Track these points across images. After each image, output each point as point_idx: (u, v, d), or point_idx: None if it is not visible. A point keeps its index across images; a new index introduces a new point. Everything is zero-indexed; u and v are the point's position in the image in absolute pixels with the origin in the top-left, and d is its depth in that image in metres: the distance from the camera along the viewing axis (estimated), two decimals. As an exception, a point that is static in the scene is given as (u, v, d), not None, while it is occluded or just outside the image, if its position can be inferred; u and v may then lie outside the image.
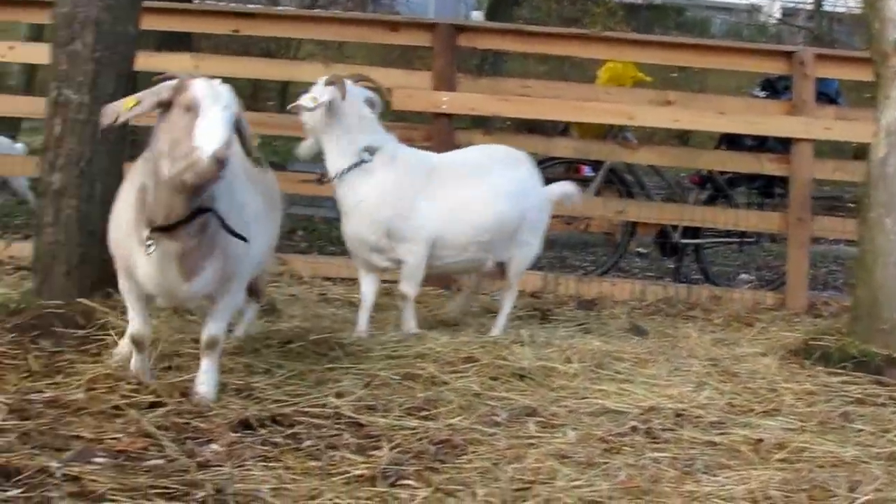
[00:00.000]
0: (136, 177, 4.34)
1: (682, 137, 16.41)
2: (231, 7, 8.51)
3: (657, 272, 10.41)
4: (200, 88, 4.01)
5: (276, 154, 19.87)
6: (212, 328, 4.47)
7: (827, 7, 31.69)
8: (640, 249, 11.73)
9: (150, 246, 4.12)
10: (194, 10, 8.77)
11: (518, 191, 6.20)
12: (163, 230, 4.09)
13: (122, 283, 4.52)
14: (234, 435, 3.98)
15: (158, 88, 4.16)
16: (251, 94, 25.11)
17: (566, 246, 11.01)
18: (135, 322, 4.50)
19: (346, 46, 23.44)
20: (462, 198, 6.05)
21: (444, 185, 6.05)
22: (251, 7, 9.23)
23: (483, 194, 6.09)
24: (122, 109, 4.16)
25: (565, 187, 6.56)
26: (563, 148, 8.62)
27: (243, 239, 4.23)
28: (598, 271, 9.09)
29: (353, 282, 7.53)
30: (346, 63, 10.32)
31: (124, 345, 4.77)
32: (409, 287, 6.01)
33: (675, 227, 9.23)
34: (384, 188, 5.90)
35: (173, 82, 4.13)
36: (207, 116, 3.91)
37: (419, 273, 6.03)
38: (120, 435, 3.88)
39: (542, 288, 7.72)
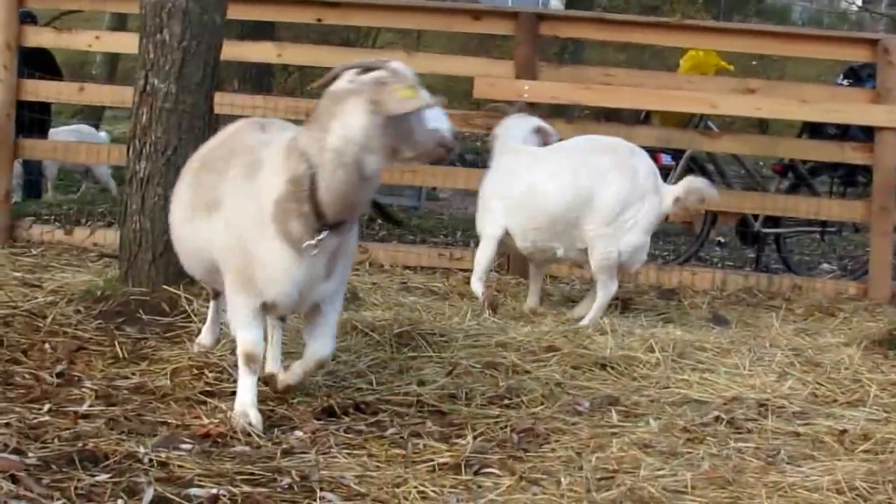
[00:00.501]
0: (269, 173, 3.95)
1: (762, 126, 16.22)
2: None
3: (737, 261, 10.34)
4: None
5: (357, 143, 20.07)
6: (329, 345, 4.16)
7: (909, -6, 31.24)
8: (720, 238, 11.64)
9: (316, 245, 3.87)
10: (278, 0, 8.81)
11: (583, 181, 6.16)
12: (332, 226, 3.90)
13: (236, 297, 4.06)
14: (317, 422, 3.99)
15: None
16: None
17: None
18: (250, 336, 4.04)
19: (425, 35, 23.57)
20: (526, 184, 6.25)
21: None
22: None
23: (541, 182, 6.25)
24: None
25: (691, 183, 6.39)
26: (644, 136, 8.53)
27: (399, 223, 4.17)
28: (679, 260, 9.04)
29: (432, 270, 7.57)
30: (426, 52, 10.34)
31: (207, 337, 4.80)
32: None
33: (755, 217, 9.16)
34: None
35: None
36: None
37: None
38: (206, 421, 3.91)
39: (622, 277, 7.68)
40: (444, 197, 14.58)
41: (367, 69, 3.87)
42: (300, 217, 3.84)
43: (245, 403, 3.94)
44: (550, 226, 6.25)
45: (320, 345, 4.12)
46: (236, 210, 4.00)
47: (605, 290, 6.21)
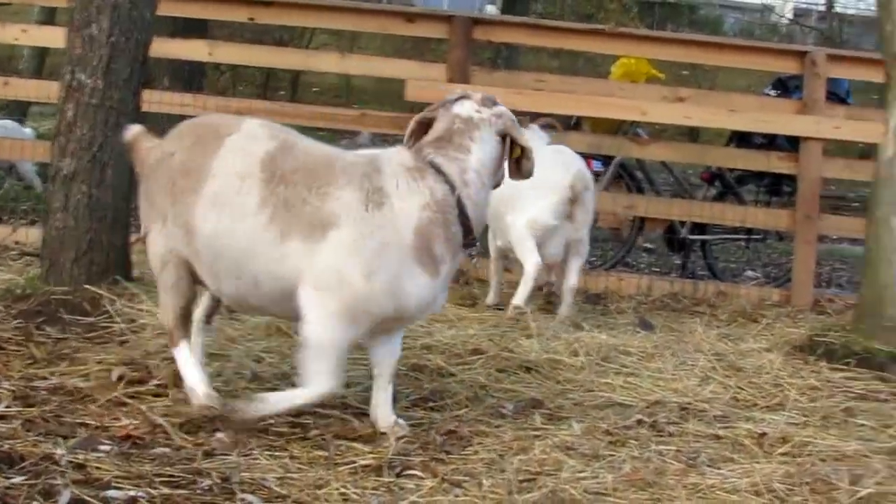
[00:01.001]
0: (400, 201, 3.88)
1: (692, 134, 16.37)
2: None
3: (664, 267, 10.40)
4: None
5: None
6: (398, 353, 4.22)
7: (838, 8, 31.69)
8: (647, 245, 11.71)
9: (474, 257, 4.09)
10: (209, -2, 8.75)
11: None
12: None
13: (334, 331, 3.85)
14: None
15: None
16: (263, 83, 25.22)
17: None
18: (332, 378, 3.88)
19: (361, 37, 23.53)
20: None
21: None
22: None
23: None
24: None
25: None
26: (574, 142, 8.56)
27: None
28: (606, 266, 9.08)
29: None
30: (361, 54, 10.33)
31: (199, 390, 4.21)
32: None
33: (682, 223, 9.24)
34: None
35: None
36: None
37: None
38: (126, 423, 3.86)
39: (548, 281, 7.70)
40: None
41: (492, 102, 4.25)
42: (446, 240, 3.91)
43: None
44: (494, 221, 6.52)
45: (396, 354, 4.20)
46: (364, 240, 3.81)
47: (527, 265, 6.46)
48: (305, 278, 3.83)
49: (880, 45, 6.16)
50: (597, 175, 9.15)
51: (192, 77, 11.53)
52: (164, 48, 8.36)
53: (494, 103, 4.24)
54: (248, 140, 4.01)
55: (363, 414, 4.18)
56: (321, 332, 3.85)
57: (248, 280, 3.94)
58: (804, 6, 37.38)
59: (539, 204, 6.33)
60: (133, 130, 4.26)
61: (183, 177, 4.00)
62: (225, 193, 3.92)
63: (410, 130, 4.26)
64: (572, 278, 6.65)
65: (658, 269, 10.26)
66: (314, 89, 25.35)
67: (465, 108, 4.15)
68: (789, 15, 37.27)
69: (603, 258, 9.71)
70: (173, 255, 4.07)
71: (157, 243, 4.11)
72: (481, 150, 4.09)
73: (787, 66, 8.58)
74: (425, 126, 4.23)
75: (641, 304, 7.50)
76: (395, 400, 4.20)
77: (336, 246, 3.80)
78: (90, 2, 5.58)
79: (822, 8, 34.58)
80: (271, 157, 3.95)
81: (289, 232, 3.83)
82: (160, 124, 10.75)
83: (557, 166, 6.45)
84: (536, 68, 21.22)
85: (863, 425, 4.60)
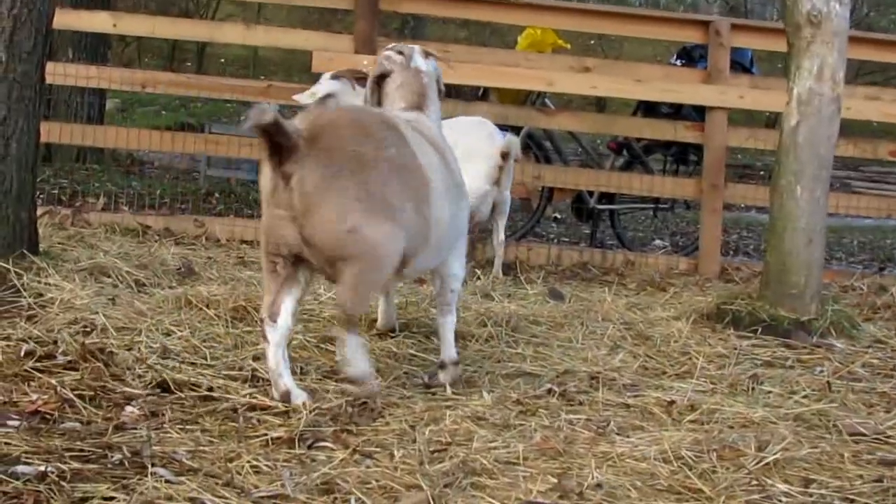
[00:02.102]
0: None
1: (599, 104, 16.49)
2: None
3: (573, 237, 10.50)
4: None
5: (193, 116, 19.79)
6: None
7: (742, -23, 32.01)
8: (556, 215, 11.81)
9: None
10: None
11: None
12: None
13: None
14: (151, 397, 3.94)
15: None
16: (169, 55, 24.96)
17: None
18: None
19: (266, 8, 23.35)
20: None
21: None
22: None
23: None
24: None
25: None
26: (481, 112, 8.60)
27: None
28: (515, 236, 9.14)
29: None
30: (265, 25, 10.27)
31: None
32: None
33: (591, 193, 9.32)
34: None
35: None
36: None
37: None
38: (34, 398, 3.82)
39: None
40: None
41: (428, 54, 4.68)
42: None
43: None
44: None
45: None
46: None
47: None
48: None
49: (782, 15, 6.26)
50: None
51: (96, 48, 11.40)
52: (68, 20, 8.27)
53: (429, 54, 4.64)
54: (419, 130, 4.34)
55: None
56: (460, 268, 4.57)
57: (446, 249, 4.43)
58: (709, -25, 37.70)
59: (472, 172, 6.41)
60: (272, 113, 3.71)
61: (408, 172, 4.07)
62: (443, 181, 4.26)
63: (371, 90, 4.59)
64: (500, 235, 7.29)
65: (567, 239, 10.36)
66: (221, 60, 25.18)
67: (423, 63, 4.55)
68: (694, -16, 37.59)
69: (513, 228, 9.77)
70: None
71: (396, 239, 3.98)
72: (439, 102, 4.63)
73: (692, 36, 8.70)
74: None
75: (551, 273, 7.58)
76: (304, 373, 4.23)
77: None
78: (-9, -26, 5.49)
79: (727, -22, 34.97)
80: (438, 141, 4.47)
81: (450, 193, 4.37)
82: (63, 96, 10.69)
83: (485, 136, 7.03)
84: (444, 39, 21.19)
85: (769, 392, 4.67)
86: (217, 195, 10.16)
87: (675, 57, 9.58)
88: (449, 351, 4.51)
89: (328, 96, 6.36)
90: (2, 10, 5.48)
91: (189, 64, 25.36)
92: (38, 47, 5.55)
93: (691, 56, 9.25)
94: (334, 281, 4.04)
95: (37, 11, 5.56)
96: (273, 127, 3.68)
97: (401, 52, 4.61)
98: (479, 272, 7.04)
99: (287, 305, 3.95)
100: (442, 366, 4.51)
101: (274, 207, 3.86)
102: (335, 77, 6.43)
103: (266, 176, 3.87)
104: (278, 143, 3.74)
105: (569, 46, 10.01)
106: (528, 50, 9.60)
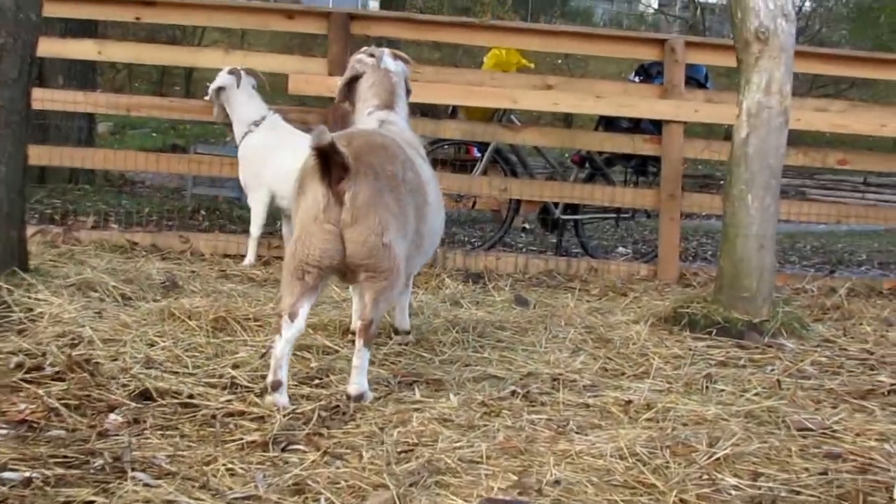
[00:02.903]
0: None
1: (567, 120, 16.52)
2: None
3: (541, 246, 10.51)
4: None
5: (182, 137, 19.77)
6: None
7: (700, -3, 32.19)
8: (525, 225, 11.83)
9: None
10: (96, -1, 8.61)
11: None
12: None
13: None
14: (134, 405, 3.94)
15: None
16: (158, 80, 24.92)
17: (457, 223, 11.08)
18: None
19: (249, 34, 23.35)
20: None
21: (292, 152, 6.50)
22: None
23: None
24: None
25: None
26: (451, 130, 8.64)
27: None
28: (485, 246, 9.16)
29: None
30: (247, 50, 10.27)
31: None
32: (253, 227, 7.54)
33: (556, 204, 9.35)
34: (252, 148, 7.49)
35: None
36: None
37: (258, 219, 7.50)
38: (23, 407, 3.81)
39: (431, 262, 7.74)
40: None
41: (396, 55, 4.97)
42: None
43: None
44: None
45: None
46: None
47: None
48: None
49: (732, 32, 6.30)
50: (475, 160, 9.31)
51: (85, 75, 11.39)
52: (55, 48, 8.29)
53: (398, 56, 4.84)
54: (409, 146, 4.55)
55: (252, 393, 4.19)
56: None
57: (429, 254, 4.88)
58: (669, -4, 37.90)
59: None
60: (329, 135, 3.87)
61: (417, 192, 4.35)
62: (435, 193, 4.62)
63: (342, 93, 4.85)
64: None
65: (535, 248, 10.36)
66: (207, 84, 25.06)
67: (393, 64, 4.81)
68: (655, 4, 37.78)
69: (483, 239, 9.80)
70: None
71: (404, 255, 4.22)
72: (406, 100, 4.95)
73: (648, 54, 8.72)
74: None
75: (518, 281, 7.59)
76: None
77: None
78: (-23, 6, 5.49)
79: (686, -3, 35.15)
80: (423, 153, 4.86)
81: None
82: (54, 121, 10.64)
83: None
84: (417, 60, 21.26)
85: (722, 390, 4.68)
86: (203, 212, 10.13)
87: (633, 73, 9.61)
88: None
89: (220, 88, 7.56)
90: (-13, 40, 5.49)
91: (177, 88, 25.32)
92: (23, 75, 5.56)
93: (649, 73, 9.27)
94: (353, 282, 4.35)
95: (21, 41, 5.57)
96: (330, 147, 3.83)
97: (372, 55, 4.74)
98: (448, 280, 7.05)
99: (305, 309, 4.08)
100: (397, 332, 5.22)
101: (324, 223, 3.98)
102: (230, 73, 7.51)
103: (317, 194, 3.99)
104: (329, 165, 3.90)
105: (532, 65, 10.05)
106: (493, 69, 9.65)
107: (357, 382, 4.13)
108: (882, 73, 9.37)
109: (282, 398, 4.04)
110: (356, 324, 4.62)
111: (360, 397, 4.12)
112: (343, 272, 4.16)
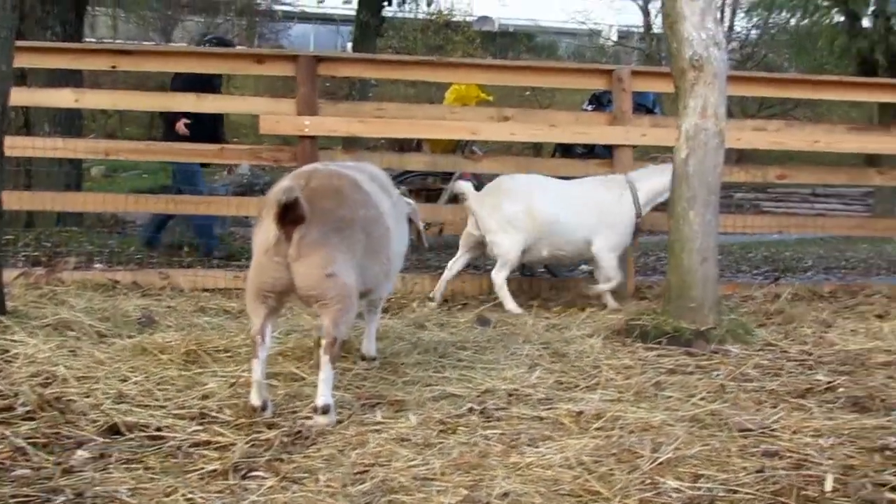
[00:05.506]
0: None
1: (536, 147, 16.44)
2: (107, 45, 8.24)
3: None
4: None
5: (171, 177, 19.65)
6: None
7: (656, 29, 32.25)
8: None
9: None
10: (73, 49, 8.51)
11: None
12: None
13: None
14: (102, 440, 3.83)
15: None
16: (148, 123, 24.85)
17: (430, 248, 10.97)
18: None
19: (234, 78, 23.29)
20: None
21: None
22: (128, 44, 8.94)
23: None
24: None
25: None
26: (415, 162, 8.59)
27: None
28: (453, 270, 9.08)
29: (230, 292, 7.41)
30: (231, 93, 10.21)
31: None
32: None
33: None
34: None
35: None
36: None
37: None
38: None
39: (400, 287, 7.66)
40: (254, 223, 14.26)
41: None
42: None
43: None
44: None
45: None
46: None
47: None
48: None
49: (669, 61, 6.27)
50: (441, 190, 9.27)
51: (70, 122, 11.31)
52: (37, 98, 8.26)
53: None
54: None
55: (219, 422, 4.10)
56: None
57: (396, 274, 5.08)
58: (626, 29, 37.99)
59: None
60: (297, 193, 4.12)
61: (374, 224, 4.52)
62: (395, 220, 4.83)
63: None
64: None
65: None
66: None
67: None
68: (614, 37, 37.87)
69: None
70: None
71: (352, 281, 4.31)
72: None
73: (598, 83, 8.71)
74: None
75: (484, 302, 7.50)
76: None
77: None
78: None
79: (642, 29, 35.25)
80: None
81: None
82: (43, 167, 10.53)
83: None
84: (393, 95, 21.24)
85: (670, 397, 4.63)
86: (185, 248, 10.00)
87: (586, 102, 9.60)
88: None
89: None
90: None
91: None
92: (-6, 123, 5.49)
93: (600, 101, 9.27)
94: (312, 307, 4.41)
95: (-6, 92, 5.50)
96: (294, 203, 4.06)
97: None
98: (413, 305, 6.98)
99: (269, 329, 4.29)
100: (363, 358, 5.23)
101: (273, 256, 4.15)
102: None
103: (270, 232, 4.15)
104: (287, 209, 4.08)
105: (491, 98, 10.02)
106: (454, 104, 9.61)
107: (323, 395, 4.15)
108: (812, 93, 9.45)
109: (266, 413, 4.20)
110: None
111: (326, 409, 4.13)
112: (301, 298, 4.32)
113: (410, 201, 5.59)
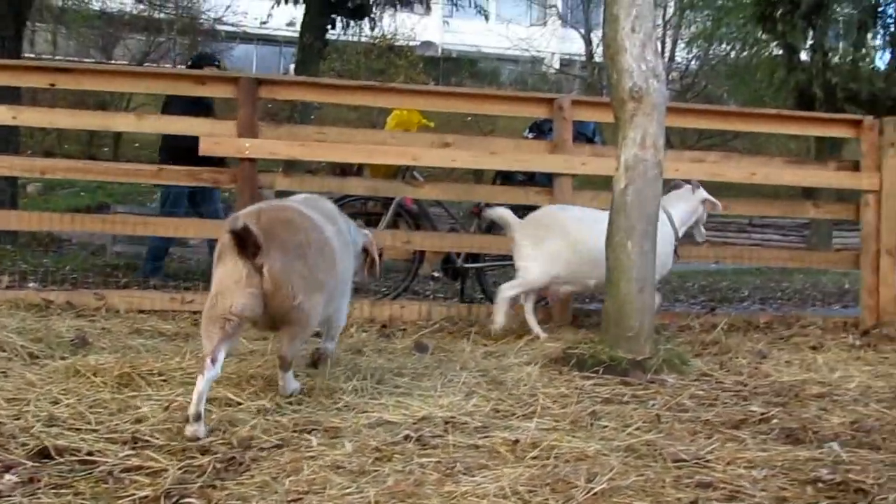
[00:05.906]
0: None
1: (476, 174, 16.50)
2: (45, 63, 8.13)
3: (448, 293, 10.45)
4: None
5: (110, 196, 19.47)
6: None
7: (597, 58, 32.57)
8: (434, 273, 11.75)
9: None
10: (11, 66, 8.41)
11: None
12: None
13: None
14: (31, 464, 3.77)
15: None
16: (88, 141, 24.60)
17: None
18: None
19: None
20: None
21: None
22: (68, 63, 8.86)
23: None
24: None
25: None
26: (355, 187, 8.58)
27: None
28: (391, 295, 9.09)
29: (166, 313, 7.35)
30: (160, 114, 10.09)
31: None
32: None
33: (458, 254, 9.31)
34: None
35: None
36: None
37: None
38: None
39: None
40: (195, 243, 14.18)
41: None
42: None
43: None
44: None
45: None
46: None
47: None
48: None
49: (609, 92, 6.33)
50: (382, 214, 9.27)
51: (7, 139, 11.18)
52: (-30, 116, 8.09)
53: None
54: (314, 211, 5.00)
55: (153, 447, 4.05)
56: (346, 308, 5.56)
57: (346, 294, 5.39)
58: (568, 57, 38.32)
59: None
60: (243, 221, 4.36)
61: (323, 247, 4.82)
62: (340, 242, 5.08)
63: None
64: None
65: (442, 295, 10.31)
66: (136, 145, 24.86)
67: None
68: (556, 65, 38.18)
69: (392, 288, 9.71)
70: None
71: (321, 306, 4.78)
72: None
73: (539, 112, 8.77)
74: None
75: (422, 328, 7.50)
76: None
77: None
78: None
79: (584, 58, 35.55)
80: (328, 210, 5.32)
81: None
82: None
83: None
84: (335, 119, 21.24)
85: (605, 426, 4.62)
86: (123, 269, 9.91)
87: (527, 130, 9.65)
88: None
89: None
90: None
91: (106, 149, 25.00)
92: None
93: (541, 129, 9.32)
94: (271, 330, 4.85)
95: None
96: (244, 231, 4.29)
97: None
98: (352, 329, 6.96)
99: (222, 354, 4.43)
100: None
101: (246, 287, 4.38)
102: None
103: (238, 264, 4.39)
104: (244, 241, 4.32)
105: (432, 124, 10.03)
106: (396, 129, 9.61)
107: (283, 388, 4.86)
108: (750, 125, 9.60)
109: (201, 428, 4.20)
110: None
111: (290, 395, 4.84)
112: (258, 323, 4.65)
113: (367, 232, 5.67)
